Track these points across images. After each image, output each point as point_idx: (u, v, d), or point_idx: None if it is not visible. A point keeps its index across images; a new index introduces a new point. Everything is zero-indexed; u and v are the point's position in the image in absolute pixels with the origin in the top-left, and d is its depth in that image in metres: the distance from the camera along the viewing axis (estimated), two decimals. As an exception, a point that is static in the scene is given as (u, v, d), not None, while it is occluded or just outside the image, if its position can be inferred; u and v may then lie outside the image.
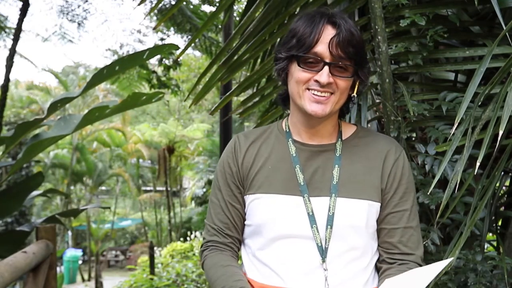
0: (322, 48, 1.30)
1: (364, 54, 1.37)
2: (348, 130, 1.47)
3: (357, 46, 1.32)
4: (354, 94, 1.39)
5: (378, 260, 1.43)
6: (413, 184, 1.45)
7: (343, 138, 1.44)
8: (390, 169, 1.39)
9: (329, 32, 1.31)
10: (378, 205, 1.39)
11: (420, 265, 1.37)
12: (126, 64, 3.60)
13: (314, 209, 1.34)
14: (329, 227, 1.33)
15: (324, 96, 1.32)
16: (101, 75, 3.43)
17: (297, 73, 1.34)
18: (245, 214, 1.45)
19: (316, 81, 1.31)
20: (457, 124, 1.76)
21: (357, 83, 1.39)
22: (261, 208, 1.38)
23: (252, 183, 1.41)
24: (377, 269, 1.43)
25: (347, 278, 1.33)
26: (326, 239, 1.33)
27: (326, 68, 1.29)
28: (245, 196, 1.44)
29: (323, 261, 1.32)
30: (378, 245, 1.42)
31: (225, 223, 1.46)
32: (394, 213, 1.39)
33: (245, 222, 1.45)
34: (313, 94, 1.32)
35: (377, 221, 1.40)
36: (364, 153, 1.42)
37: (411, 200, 1.41)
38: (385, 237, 1.39)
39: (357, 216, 1.35)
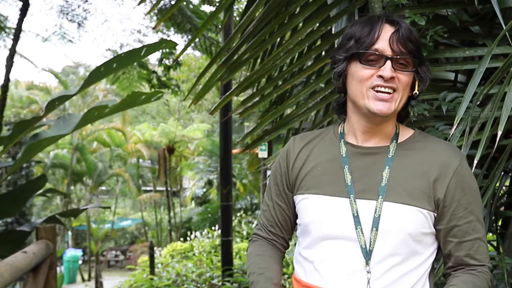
0: (383, 44, 1.33)
1: (421, 53, 1.39)
2: (406, 134, 1.43)
3: (416, 42, 1.35)
4: (416, 91, 1.39)
5: (447, 267, 1.40)
6: (478, 191, 1.39)
7: (399, 141, 1.41)
8: (450, 179, 1.34)
9: (388, 29, 1.34)
10: (429, 213, 1.34)
11: (487, 273, 1.35)
12: (123, 61, 3.58)
13: (360, 210, 1.34)
14: (374, 229, 1.32)
15: (388, 93, 1.33)
16: (98, 73, 3.42)
17: (359, 71, 1.35)
18: (294, 214, 1.51)
19: (380, 76, 1.32)
20: (456, 124, 1.76)
21: (417, 82, 1.39)
22: (308, 208, 1.42)
23: (302, 184, 1.44)
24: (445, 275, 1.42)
25: (389, 282, 1.32)
26: (371, 242, 1.32)
27: (389, 62, 1.31)
28: (294, 196, 1.47)
29: (367, 263, 1.32)
30: (446, 256, 1.40)
31: (270, 220, 1.53)
32: (460, 225, 1.35)
33: (297, 221, 1.50)
34: (377, 92, 1.33)
35: (439, 231, 1.37)
36: (419, 158, 1.37)
37: (477, 210, 1.37)
38: (452, 250, 1.37)
39: (403, 222, 1.33)
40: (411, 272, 1.34)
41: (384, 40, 1.33)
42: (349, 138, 1.43)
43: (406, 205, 1.33)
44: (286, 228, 1.54)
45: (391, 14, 1.41)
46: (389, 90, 1.33)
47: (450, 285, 1.35)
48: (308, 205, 1.41)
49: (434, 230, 1.37)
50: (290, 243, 1.61)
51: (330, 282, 1.34)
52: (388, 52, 1.32)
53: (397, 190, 1.34)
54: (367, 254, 1.32)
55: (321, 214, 1.38)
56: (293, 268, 1.50)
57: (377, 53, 1.32)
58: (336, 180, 1.38)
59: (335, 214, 1.36)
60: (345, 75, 1.39)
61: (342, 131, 1.46)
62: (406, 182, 1.34)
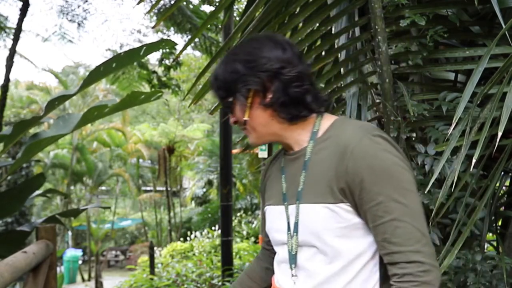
0: None
1: (232, 83, 1.36)
2: (323, 128, 1.37)
3: (221, 84, 1.39)
4: (246, 117, 1.38)
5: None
6: (387, 168, 1.24)
7: (318, 137, 1.36)
8: (347, 164, 1.25)
9: None
10: (337, 206, 1.27)
11: (412, 263, 1.19)
12: (123, 60, 3.57)
13: (289, 216, 1.38)
14: (295, 234, 1.35)
15: (245, 130, 1.42)
16: (98, 72, 3.41)
17: None
18: None
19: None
20: (455, 124, 1.76)
21: (249, 106, 1.37)
22: (266, 218, 1.51)
23: (265, 196, 1.54)
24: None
25: (317, 283, 1.31)
26: (292, 246, 1.36)
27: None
28: None
29: (291, 268, 1.36)
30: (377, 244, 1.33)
31: (264, 230, 1.62)
32: (369, 209, 1.24)
33: None
34: None
35: (366, 221, 1.29)
36: (328, 151, 1.31)
37: (387, 189, 1.22)
38: (374, 237, 1.27)
39: (314, 222, 1.30)
40: (344, 269, 1.29)
41: None
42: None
43: (315, 203, 1.30)
44: None
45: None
46: (243, 128, 1.42)
47: None
48: (266, 216, 1.50)
49: (360, 220, 1.28)
50: None
51: (279, 286, 1.42)
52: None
53: (310, 190, 1.32)
54: (292, 259, 1.35)
55: (270, 222, 1.47)
56: None
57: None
58: (279, 190, 1.44)
59: (277, 222, 1.42)
60: None
61: None
62: (317, 181, 1.31)
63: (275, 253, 1.50)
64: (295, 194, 1.36)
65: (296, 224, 1.34)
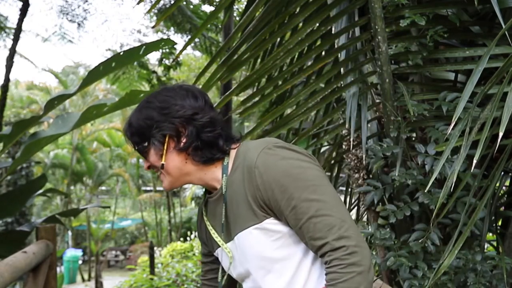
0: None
1: (146, 129, 1.41)
2: (231, 160, 1.43)
3: (134, 130, 1.43)
4: (163, 162, 1.42)
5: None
6: (289, 172, 1.30)
7: (228, 170, 1.42)
8: (256, 183, 1.31)
9: None
10: (263, 223, 1.34)
11: (337, 249, 1.24)
12: (122, 60, 3.57)
13: (234, 252, 1.45)
14: (231, 266, 1.46)
15: (161, 175, 1.46)
16: (97, 72, 3.42)
17: None
18: None
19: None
20: (454, 124, 1.76)
21: (164, 150, 1.41)
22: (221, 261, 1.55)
23: (210, 243, 1.57)
24: None
25: None
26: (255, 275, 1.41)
27: (141, 160, 1.46)
28: None
29: None
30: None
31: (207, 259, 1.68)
32: (288, 215, 1.30)
33: None
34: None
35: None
36: (239, 178, 1.37)
37: (296, 192, 1.28)
38: (302, 239, 1.33)
39: (252, 245, 1.37)
40: (295, 275, 1.37)
41: None
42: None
43: (246, 229, 1.37)
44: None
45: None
46: (159, 173, 1.45)
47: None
48: (219, 258, 1.55)
49: (289, 229, 1.34)
50: None
51: None
52: (133, 153, 1.47)
53: (238, 219, 1.39)
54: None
55: (226, 263, 1.51)
56: None
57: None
58: (216, 232, 1.52)
59: (228, 261, 1.49)
60: None
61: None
62: (238, 208, 1.38)
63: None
64: (228, 229, 1.44)
65: (240, 254, 1.42)
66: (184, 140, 1.39)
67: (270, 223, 1.34)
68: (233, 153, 1.44)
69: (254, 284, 1.42)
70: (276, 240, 1.35)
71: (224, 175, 1.41)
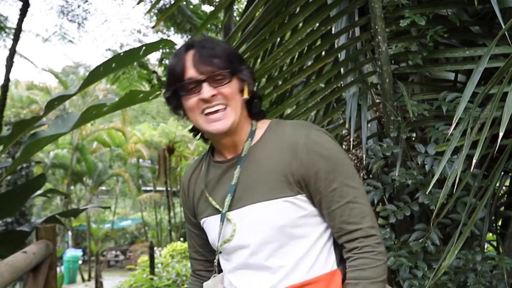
0: (191, 71, 1.39)
1: (236, 59, 1.43)
2: (261, 131, 1.46)
3: (221, 55, 1.39)
4: (246, 96, 1.42)
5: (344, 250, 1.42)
6: (337, 156, 1.38)
7: (256, 139, 1.45)
8: (301, 158, 1.36)
9: (190, 56, 1.40)
10: (295, 198, 1.37)
11: (370, 237, 1.34)
12: (122, 60, 3.57)
13: (240, 220, 1.42)
14: (251, 234, 1.40)
15: (218, 112, 1.39)
16: (97, 73, 3.41)
17: (186, 102, 1.41)
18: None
19: (202, 99, 1.38)
20: (455, 124, 1.76)
21: (246, 86, 1.43)
22: (206, 231, 1.52)
23: (198, 210, 1.54)
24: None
25: (282, 277, 1.38)
26: (252, 247, 1.40)
27: (205, 84, 1.37)
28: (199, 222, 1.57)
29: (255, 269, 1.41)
30: (334, 233, 1.42)
31: (192, 247, 1.64)
32: (326, 196, 1.36)
33: None
34: (208, 115, 1.39)
35: (318, 208, 1.40)
36: (271, 149, 1.41)
37: (340, 175, 1.36)
38: (329, 221, 1.38)
39: (275, 217, 1.37)
40: (306, 255, 1.38)
41: (190, 66, 1.39)
42: (218, 156, 1.51)
43: (274, 199, 1.37)
44: (208, 249, 1.59)
45: (196, 39, 1.46)
46: (218, 108, 1.38)
47: (349, 279, 1.36)
48: (205, 228, 1.52)
49: (314, 209, 1.39)
50: None
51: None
52: (199, 76, 1.37)
53: (261, 188, 1.38)
54: (251, 260, 1.41)
55: (210, 233, 1.49)
56: None
57: (191, 81, 1.38)
58: (220, 197, 1.46)
59: (215, 231, 1.45)
60: (182, 108, 1.45)
61: (209, 152, 1.55)
62: (265, 178, 1.38)
63: (208, 274, 1.58)
64: (240, 197, 1.41)
65: (252, 225, 1.39)
66: (249, 90, 1.44)
67: (301, 199, 1.37)
68: (261, 124, 1.47)
69: (250, 257, 1.40)
70: (300, 217, 1.38)
71: (250, 139, 1.44)
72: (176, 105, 1.46)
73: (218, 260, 1.53)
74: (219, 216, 1.44)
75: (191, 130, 1.56)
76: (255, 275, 1.41)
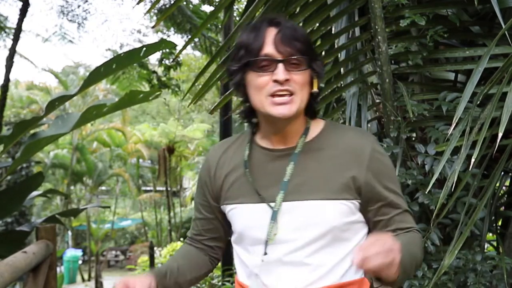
0: (270, 48, 1.33)
1: (313, 48, 1.41)
2: (317, 128, 1.44)
3: (303, 40, 1.35)
4: (315, 89, 1.39)
5: None
6: (393, 168, 1.46)
7: (311, 137, 1.42)
8: (367, 165, 1.37)
9: (272, 33, 1.34)
10: (351, 202, 1.37)
11: (419, 234, 1.45)
12: (123, 61, 3.57)
13: (285, 213, 1.37)
14: (272, 223, 1.36)
15: (286, 97, 1.33)
16: (98, 73, 3.41)
17: (255, 80, 1.35)
18: (225, 222, 1.52)
19: (275, 81, 1.32)
20: (455, 124, 1.76)
21: (315, 78, 1.40)
22: (237, 218, 1.45)
23: (228, 194, 1.46)
24: None
25: (319, 276, 1.36)
26: (298, 243, 1.37)
27: (280, 65, 1.31)
28: (222, 206, 1.49)
29: (296, 265, 1.37)
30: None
31: (197, 230, 1.57)
32: (386, 204, 1.39)
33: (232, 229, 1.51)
34: (275, 97, 1.34)
35: (367, 214, 1.41)
36: (331, 150, 1.39)
37: (396, 185, 1.42)
38: (383, 227, 1.41)
39: (330, 217, 1.35)
40: (344, 259, 1.38)
41: (270, 44, 1.33)
42: (264, 142, 1.44)
43: (332, 200, 1.36)
44: (215, 237, 1.56)
45: (276, 15, 1.41)
46: (286, 92, 1.33)
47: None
48: (236, 215, 1.44)
49: (361, 215, 1.41)
50: None
51: (268, 283, 1.38)
52: (277, 55, 1.32)
53: (314, 186, 1.36)
54: (293, 256, 1.37)
55: (246, 222, 1.42)
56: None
57: (267, 58, 1.32)
58: (267, 185, 1.40)
59: (255, 221, 1.39)
60: (244, 84, 1.39)
61: (253, 135, 1.48)
62: (323, 178, 1.37)
63: (216, 254, 1.57)
64: (292, 191, 1.37)
65: (303, 221, 1.36)
66: (315, 85, 1.41)
67: (355, 204, 1.39)
68: (315, 123, 1.45)
69: (291, 253, 1.36)
70: (350, 222, 1.38)
71: (304, 135, 1.41)
72: (239, 81, 1.39)
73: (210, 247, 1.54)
74: (260, 206, 1.39)
75: (240, 113, 1.49)
76: (290, 270, 1.36)
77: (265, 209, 1.38)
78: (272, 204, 1.37)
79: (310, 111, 1.43)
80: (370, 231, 1.45)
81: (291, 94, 1.33)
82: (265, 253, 1.37)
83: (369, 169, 1.37)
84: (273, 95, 1.33)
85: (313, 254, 1.36)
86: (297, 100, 1.34)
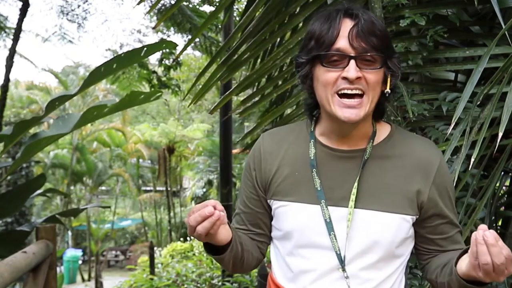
0: (343, 42, 1.22)
1: (390, 44, 1.28)
2: (383, 132, 1.34)
3: (381, 35, 1.23)
4: (388, 89, 1.27)
5: (425, 259, 1.40)
6: (453, 186, 1.40)
7: (376, 142, 1.32)
8: (432, 181, 1.30)
9: (347, 25, 1.23)
10: (411, 218, 1.31)
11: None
12: (123, 61, 3.57)
13: (333, 217, 1.29)
14: (347, 236, 1.28)
15: (356, 97, 1.23)
16: (98, 73, 3.42)
17: (323, 74, 1.24)
18: (270, 215, 1.42)
19: (344, 78, 1.22)
20: (454, 124, 1.76)
21: (389, 77, 1.28)
22: (288, 216, 1.34)
23: (278, 189, 1.36)
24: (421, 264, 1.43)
25: (370, 286, 1.30)
26: (345, 248, 1.28)
27: (352, 62, 1.21)
28: (269, 200, 1.39)
29: (343, 270, 1.28)
30: (426, 251, 1.38)
31: (241, 225, 1.45)
32: (445, 223, 1.35)
33: (273, 224, 1.42)
34: (342, 98, 1.23)
35: (423, 229, 1.35)
36: (398, 160, 1.31)
37: (453, 205, 1.37)
38: (437, 245, 1.37)
39: (386, 231, 1.28)
40: (392, 274, 1.33)
41: (344, 37, 1.22)
42: (324, 139, 1.35)
43: (387, 212, 1.28)
44: (262, 233, 1.45)
45: (352, 6, 1.27)
46: (357, 92, 1.22)
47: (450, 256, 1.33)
48: (288, 213, 1.34)
49: (412, 231, 1.35)
50: None
51: None
52: (350, 51, 1.21)
53: (376, 196, 1.28)
54: (342, 261, 1.28)
55: (300, 222, 1.32)
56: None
57: (338, 53, 1.22)
58: (312, 186, 1.31)
59: (312, 222, 1.30)
60: (311, 77, 1.29)
61: (313, 131, 1.37)
62: (386, 188, 1.29)
63: (264, 244, 1.44)
64: (348, 195, 1.28)
65: (349, 226, 1.28)
66: (388, 87, 1.29)
67: (413, 220, 1.32)
68: (380, 126, 1.35)
69: (341, 262, 1.27)
70: (405, 238, 1.32)
71: (371, 140, 1.31)
72: (306, 74, 1.29)
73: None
74: (316, 207, 1.29)
75: (305, 105, 1.38)
76: (337, 281, 1.29)
77: (321, 211, 1.29)
78: (343, 210, 1.28)
79: (378, 111, 1.33)
80: (415, 246, 1.39)
81: (361, 94, 1.23)
82: (344, 269, 1.28)
83: (435, 185, 1.30)
84: (341, 94, 1.23)
85: (366, 267, 1.29)
86: (367, 103, 1.24)
